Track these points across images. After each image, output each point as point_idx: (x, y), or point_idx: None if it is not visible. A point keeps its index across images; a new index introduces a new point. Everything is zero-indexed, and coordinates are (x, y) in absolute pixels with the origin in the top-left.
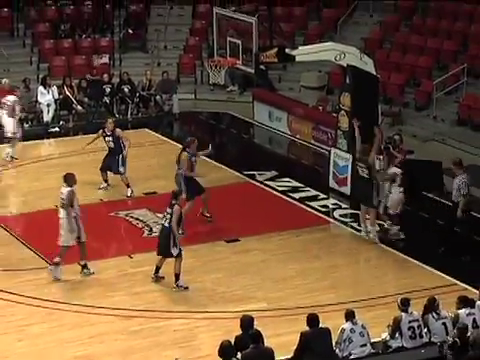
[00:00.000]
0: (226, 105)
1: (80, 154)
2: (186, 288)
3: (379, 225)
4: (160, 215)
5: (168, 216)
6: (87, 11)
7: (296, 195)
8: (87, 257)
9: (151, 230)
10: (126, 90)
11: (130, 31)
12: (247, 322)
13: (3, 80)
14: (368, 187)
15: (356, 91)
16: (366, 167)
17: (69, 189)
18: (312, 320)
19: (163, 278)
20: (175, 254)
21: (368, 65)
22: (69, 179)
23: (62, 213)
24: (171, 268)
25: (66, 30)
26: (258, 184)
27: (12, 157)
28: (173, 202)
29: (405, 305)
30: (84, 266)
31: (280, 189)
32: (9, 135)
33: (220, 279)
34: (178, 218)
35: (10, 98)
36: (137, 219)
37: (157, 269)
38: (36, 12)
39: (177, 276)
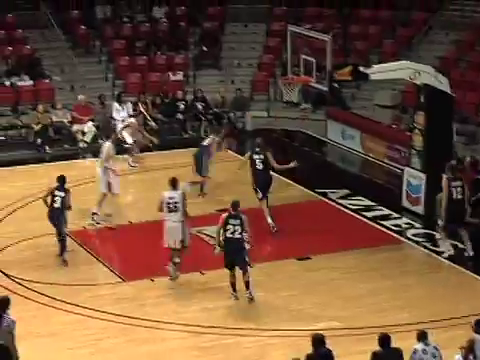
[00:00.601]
0: (299, 123)
1: (151, 170)
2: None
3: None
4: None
5: (237, 227)
6: (162, 28)
7: (369, 214)
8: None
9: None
10: (199, 107)
11: (204, 48)
12: (318, 340)
13: (79, 96)
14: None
15: (430, 110)
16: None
17: (181, 192)
18: (384, 340)
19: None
20: (250, 263)
21: (443, 84)
22: (176, 183)
23: (175, 217)
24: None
25: (141, 47)
26: (330, 202)
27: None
28: (234, 213)
29: (479, 326)
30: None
31: (352, 207)
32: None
33: (291, 297)
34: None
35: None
36: (209, 235)
37: (233, 286)
38: (112, 29)
39: (247, 284)
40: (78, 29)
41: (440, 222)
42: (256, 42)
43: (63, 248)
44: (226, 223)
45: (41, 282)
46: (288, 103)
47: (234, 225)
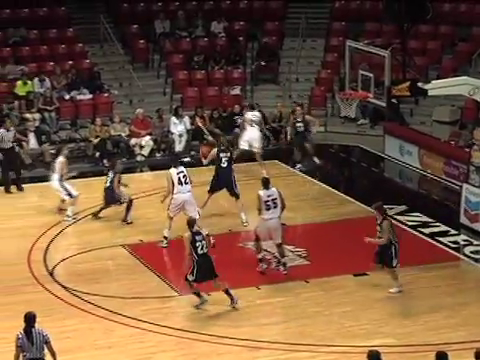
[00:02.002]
0: (357, 138)
1: (208, 185)
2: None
3: None
4: (289, 247)
5: (204, 242)
6: (220, 43)
7: (426, 230)
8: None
9: (279, 262)
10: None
11: (262, 63)
12: (374, 357)
13: (137, 110)
14: None
15: None
16: None
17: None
18: (441, 358)
19: None
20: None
21: None
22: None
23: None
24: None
25: (199, 61)
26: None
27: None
28: (195, 230)
29: None
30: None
31: (410, 224)
32: (255, 151)
33: (347, 313)
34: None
35: (256, 113)
36: (265, 250)
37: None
38: (171, 44)
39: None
40: (137, 43)
41: None
42: (314, 57)
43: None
44: (193, 243)
45: (98, 295)
46: (346, 118)
47: (201, 241)
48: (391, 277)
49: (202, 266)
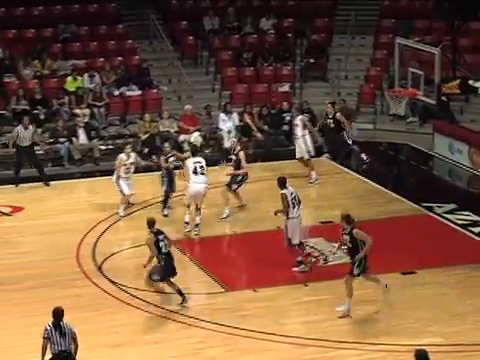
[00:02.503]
0: (406, 136)
1: (257, 182)
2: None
3: None
4: (336, 244)
5: (166, 241)
6: (269, 40)
7: (476, 229)
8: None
9: (326, 259)
10: (306, 119)
11: (311, 61)
12: (422, 356)
13: (186, 107)
14: None
15: None
16: None
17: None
18: None
19: None
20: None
21: None
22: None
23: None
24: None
25: (248, 58)
26: (437, 217)
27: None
28: (156, 230)
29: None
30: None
31: (459, 222)
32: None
33: (395, 311)
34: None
35: (300, 117)
36: (313, 248)
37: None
38: (220, 40)
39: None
40: (186, 40)
41: None
42: (363, 54)
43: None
44: (157, 243)
45: (146, 290)
46: (395, 116)
47: (163, 240)
48: (346, 288)
49: (167, 265)
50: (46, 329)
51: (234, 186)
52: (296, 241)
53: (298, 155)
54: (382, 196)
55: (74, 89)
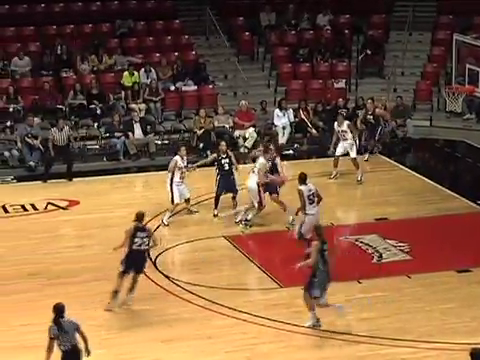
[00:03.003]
0: (462, 133)
1: (313, 177)
2: None
3: None
4: (391, 241)
5: (145, 240)
6: (326, 36)
7: None
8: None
9: (381, 256)
10: (360, 115)
11: (368, 52)
12: (478, 355)
13: (241, 102)
14: None
15: None
16: None
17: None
18: None
19: None
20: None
21: None
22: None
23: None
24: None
25: (304, 54)
26: None
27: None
28: (141, 226)
29: None
30: None
31: None
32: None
33: (450, 309)
34: None
35: (346, 122)
36: (367, 244)
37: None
38: (276, 36)
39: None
40: (242, 36)
41: None
42: (420, 51)
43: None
44: (133, 237)
45: (199, 285)
46: (451, 113)
47: (141, 238)
48: (306, 305)
49: (131, 259)
50: (50, 328)
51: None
52: (308, 236)
53: (353, 154)
54: (437, 193)
55: (130, 84)
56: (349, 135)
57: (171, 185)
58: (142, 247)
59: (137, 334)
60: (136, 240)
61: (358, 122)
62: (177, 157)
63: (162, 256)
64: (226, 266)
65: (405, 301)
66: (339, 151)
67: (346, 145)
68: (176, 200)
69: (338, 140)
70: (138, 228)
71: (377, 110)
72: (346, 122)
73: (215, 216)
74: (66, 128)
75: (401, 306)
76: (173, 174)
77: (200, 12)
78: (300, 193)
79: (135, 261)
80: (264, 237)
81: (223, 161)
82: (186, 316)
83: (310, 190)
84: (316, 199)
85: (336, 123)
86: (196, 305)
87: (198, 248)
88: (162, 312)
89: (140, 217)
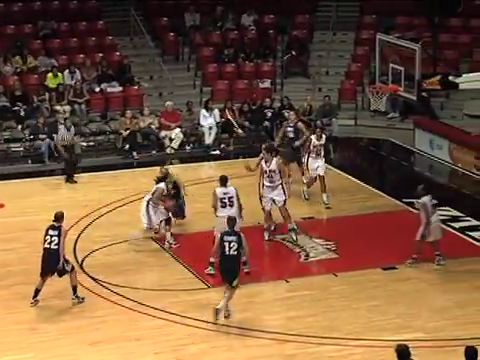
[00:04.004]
0: (387, 132)
1: (240, 177)
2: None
3: None
4: (318, 240)
5: (55, 239)
6: (250, 36)
7: (456, 225)
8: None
9: (308, 255)
10: (286, 115)
11: (293, 53)
12: (403, 351)
13: (167, 103)
14: None
15: None
16: None
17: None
18: (470, 353)
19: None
20: (70, 269)
21: None
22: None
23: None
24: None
25: (229, 54)
26: (417, 212)
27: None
28: (57, 224)
29: None
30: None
31: (440, 218)
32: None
33: (376, 307)
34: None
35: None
36: (294, 243)
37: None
38: (201, 37)
39: (74, 288)
40: (167, 36)
41: None
42: (344, 50)
43: None
44: (45, 234)
45: (127, 286)
46: (376, 112)
47: (51, 236)
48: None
49: (42, 258)
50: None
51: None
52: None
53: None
54: (363, 192)
55: (55, 86)
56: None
57: (147, 207)
58: (51, 246)
59: (65, 337)
60: (46, 238)
61: (280, 134)
62: (161, 185)
63: (89, 258)
64: (153, 267)
65: (332, 299)
66: (320, 170)
67: (321, 163)
68: (154, 221)
69: (311, 155)
70: (51, 227)
71: (299, 124)
72: (325, 136)
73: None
74: (73, 128)
75: (328, 304)
76: (156, 202)
77: (124, 13)
78: (214, 193)
79: (45, 260)
80: (191, 238)
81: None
82: (114, 318)
83: (225, 193)
84: (228, 203)
85: (315, 136)
86: (124, 307)
87: (125, 250)
88: (89, 315)
89: (58, 217)
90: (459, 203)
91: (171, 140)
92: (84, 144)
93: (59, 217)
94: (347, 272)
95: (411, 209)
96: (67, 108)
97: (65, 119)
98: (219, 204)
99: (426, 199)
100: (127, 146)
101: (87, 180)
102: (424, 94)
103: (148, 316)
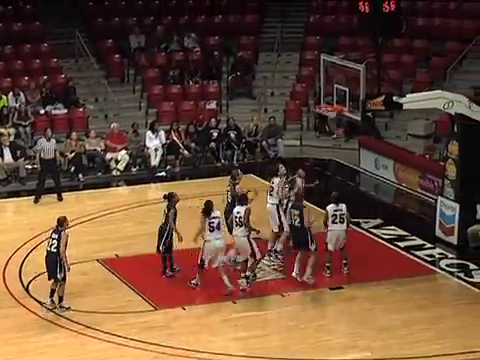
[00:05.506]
0: (332, 152)
1: (185, 199)
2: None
3: None
4: (264, 261)
5: (54, 242)
6: (196, 57)
7: (402, 244)
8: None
9: (255, 276)
10: (232, 136)
11: (238, 73)
12: None
13: (113, 124)
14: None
15: (464, 139)
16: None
17: (246, 207)
18: None
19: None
20: (60, 278)
21: (477, 113)
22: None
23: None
24: None
25: (175, 76)
26: (363, 232)
27: None
28: (59, 229)
29: None
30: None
31: (385, 237)
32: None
33: (323, 326)
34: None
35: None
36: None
37: (52, 292)
38: (146, 58)
39: (60, 298)
40: (112, 58)
41: None
42: (289, 71)
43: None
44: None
45: (74, 310)
46: (321, 132)
47: (52, 239)
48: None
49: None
50: None
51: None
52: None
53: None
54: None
55: None
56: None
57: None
58: (52, 249)
59: None
60: (49, 241)
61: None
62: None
63: (35, 281)
64: (100, 290)
65: (280, 320)
66: None
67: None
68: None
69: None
70: (54, 230)
71: (237, 188)
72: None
73: None
74: (53, 140)
75: (276, 325)
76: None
77: (69, 35)
78: (201, 220)
79: (46, 263)
80: (137, 260)
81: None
82: (60, 342)
83: (216, 218)
84: (216, 226)
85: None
86: (70, 330)
87: (71, 272)
88: (36, 339)
89: (60, 221)
90: (404, 222)
91: (117, 162)
92: (29, 167)
93: (61, 222)
94: (294, 292)
95: (356, 228)
96: (12, 131)
97: (10, 142)
98: (208, 228)
99: (329, 207)
100: (73, 168)
101: (32, 203)
102: (369, 114)
103: (95, 339)
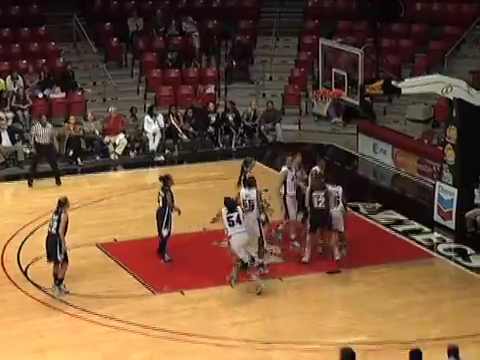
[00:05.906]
0: (330, 136)
1: (185, 183)
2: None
3: None
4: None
5: (55, 223)
6: (194, 41)
7: (400, 228)
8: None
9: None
10: (231, 119)
11: (234, 63)
12: (348, 355)
13: (110, 108)
14: None
15: (463, 124)
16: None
17: (256, 189)
18: (415, 355)
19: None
20: (61, 259)
21: (475, 98)
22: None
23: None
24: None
25: (173, 60)
26: (362, 216)
27: None
28: (60, 210)
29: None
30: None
31: (383, 222)
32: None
33: (321, 310)
34: (64, 226)
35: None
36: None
37: (55, 277)
38: (144, 42)
39: (60, 280)
40: (110, 42)
41: None
42: (288, 56)
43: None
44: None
45: (70, 293)
46: (319, 117)
47: (53, 220)
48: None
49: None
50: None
51: None
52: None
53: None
54: None
55: None
56: None
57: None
58: (52, 230)
59: (7, 345)
60: (49, 222)
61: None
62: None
63: (33, 265)
64: (99, 274)
65: (278, 304)
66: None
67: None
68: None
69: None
70: (55, 211)
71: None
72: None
73: None
74: (49, 125)
75: (274, 309)
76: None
77: (67, 18)
78: (219, 214)
79: (46, 243)
80: (136, 244)
81: None
82: (58, 326)
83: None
84: (235, 220)
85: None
86: (68, 314)
87: (70, 256)
88: (34, 322)
89: (60, 202)
90: (402, 207)
91: (115, 146)
92: (27, 151)
93: (62, 203)
94: (292, 276)
95: (355, 213)
96: (9, 115)
97: (8, 126)
98: (227, 223)
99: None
100: (71, 152)
101: (31, 187)
102: (367, 99)
103: (93, 323)
